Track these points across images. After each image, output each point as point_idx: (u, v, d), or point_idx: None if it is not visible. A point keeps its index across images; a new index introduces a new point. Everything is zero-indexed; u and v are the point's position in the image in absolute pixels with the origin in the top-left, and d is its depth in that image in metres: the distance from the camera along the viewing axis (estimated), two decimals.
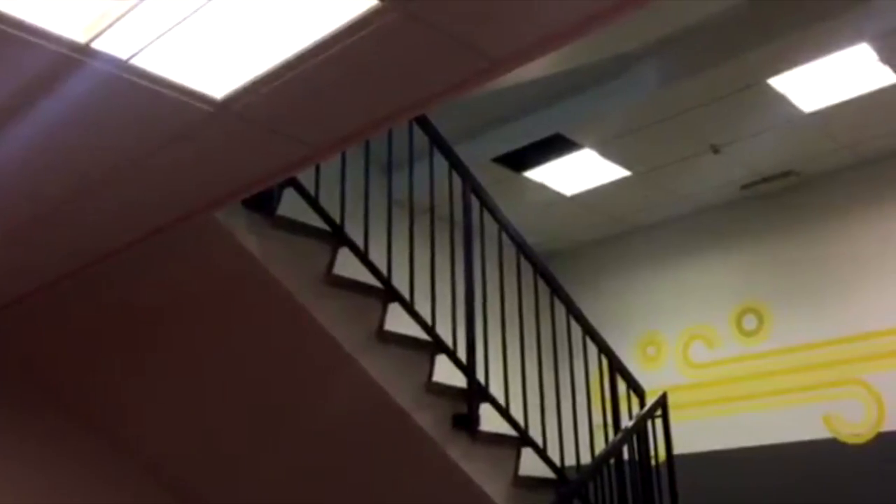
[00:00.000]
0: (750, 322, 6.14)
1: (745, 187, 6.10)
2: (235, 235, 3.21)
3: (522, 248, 4.21)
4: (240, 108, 2.24)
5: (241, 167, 2.57)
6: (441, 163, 3.98)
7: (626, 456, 4.10)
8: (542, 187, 6.09)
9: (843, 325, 5.61)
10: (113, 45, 2.10)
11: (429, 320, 3.77)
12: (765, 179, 5.99)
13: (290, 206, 3.47)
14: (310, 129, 2.31)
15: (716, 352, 6.25)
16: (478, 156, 5.37)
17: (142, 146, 2.46)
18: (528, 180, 6.00)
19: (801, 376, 5.73)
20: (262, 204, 3.30)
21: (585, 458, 4.17)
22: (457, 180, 4.03)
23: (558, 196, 6.23)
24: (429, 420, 3.65)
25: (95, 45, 2.08)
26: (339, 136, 2.35)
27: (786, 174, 5.93)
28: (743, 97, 5.05)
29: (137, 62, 2.14)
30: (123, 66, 2.14)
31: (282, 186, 3.38)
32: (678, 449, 4.43)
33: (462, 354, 3.86)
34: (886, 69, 4.81)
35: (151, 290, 3.56)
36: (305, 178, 3.49)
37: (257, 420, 3.96)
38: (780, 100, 5.06)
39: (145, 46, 2.09)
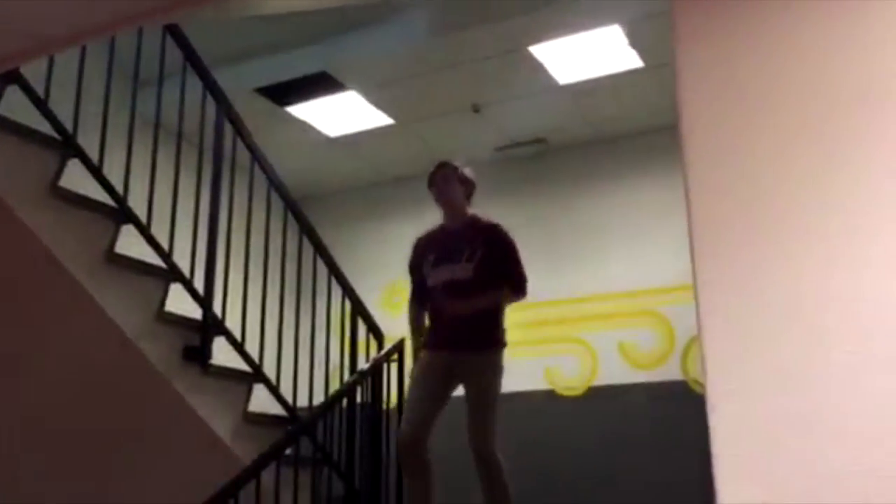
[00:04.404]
0: None
1: (499, 149, 6.34)
2: None
3: (274, 183, 4.11)
4: None
5: None
6: (196, 84, 3.76)
7: (359, 398, 4.17)
8: (303, 124, 5.97)
9: (570, 287, 6.05)
10: None
11: (166, 246, 3.57)
12: (517, 144, 6.26)
13: (14, 105, 3.11)
14: (28, 18, 2.05)
15: None
16: (239, 83, 5.15)
17: None
18: (290, 116, 5.85)
19: (533, 331, 6.10)
20: None
21: (320, 399, 4.18)
22: (211, 104, 3.83)
23: (320, 136, 6.13)
24: (156, 350, 3.49)
25: None
26: (66, 32, 2.11)
27: (536, 141, 6.24)
28: (505, 60, 5.22)
29: None
30: None
31: (4, 82, 3.02)
32: None
33: (200, 286, 3.71)
34: (633, 53, 5.15)
35: None
36: (34, 76, 3.14)
37: None
38: (539, 68, 5.28)
39: None
